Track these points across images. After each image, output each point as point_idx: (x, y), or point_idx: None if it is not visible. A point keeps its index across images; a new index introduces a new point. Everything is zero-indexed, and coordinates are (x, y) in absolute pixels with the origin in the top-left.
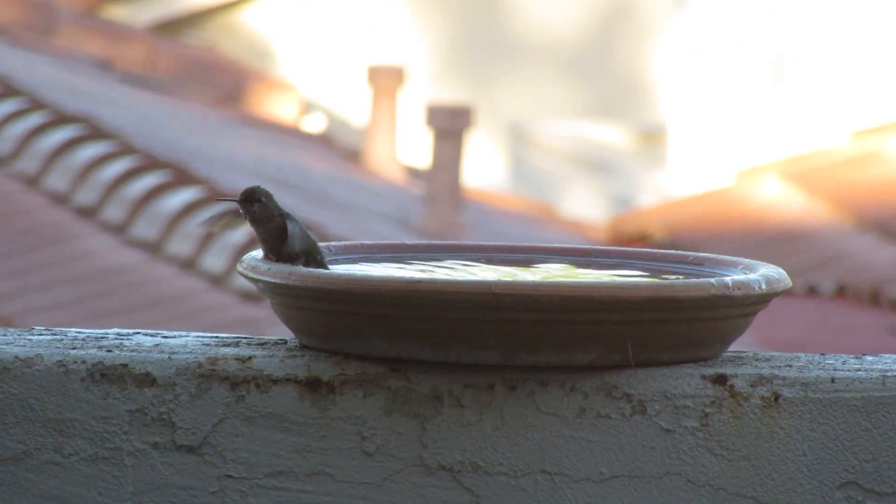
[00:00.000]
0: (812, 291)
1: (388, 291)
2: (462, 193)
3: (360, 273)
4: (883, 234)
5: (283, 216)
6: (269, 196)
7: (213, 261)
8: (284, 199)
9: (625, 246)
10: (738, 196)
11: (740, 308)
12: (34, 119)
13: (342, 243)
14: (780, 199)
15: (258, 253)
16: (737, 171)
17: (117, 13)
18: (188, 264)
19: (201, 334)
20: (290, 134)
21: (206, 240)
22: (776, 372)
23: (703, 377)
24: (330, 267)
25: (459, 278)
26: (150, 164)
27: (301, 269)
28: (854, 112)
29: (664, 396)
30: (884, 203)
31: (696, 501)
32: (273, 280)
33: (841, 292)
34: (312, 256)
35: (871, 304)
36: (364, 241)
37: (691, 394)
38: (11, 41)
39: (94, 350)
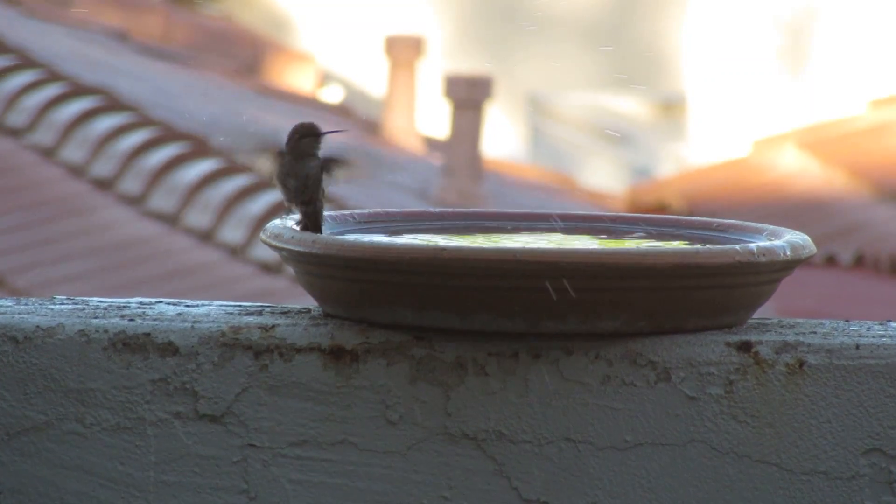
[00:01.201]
0: (831, 261)
1: (412, 259)
2: (481, 164)
3: (385, 241)
4: None
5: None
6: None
7: (232, 232)
8: None
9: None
10: (757, 166)
11: (765, 275)
12: (51, 90)
13: (365, 211)
14: (798, 168)
15: (281, 221)
16: (754, 141)
17: None
18: (206, 236)
19: (224, 303)
20: (309, 105)
21: (225, 211)
22: (801, 339)
23: (728, 344)
24: (355, 236)
25: (484, 246)
26: (167, 135)
27: (325, 238)
28: (871, 82)
29: (689, 364)
30: None
31: (720, 469)
32: (297, 248)
33: (860, 262)
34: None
35: (891, 274)
36: (388, 210)
37: (716, 361)
38: (28, 12)
39: (116, 319)
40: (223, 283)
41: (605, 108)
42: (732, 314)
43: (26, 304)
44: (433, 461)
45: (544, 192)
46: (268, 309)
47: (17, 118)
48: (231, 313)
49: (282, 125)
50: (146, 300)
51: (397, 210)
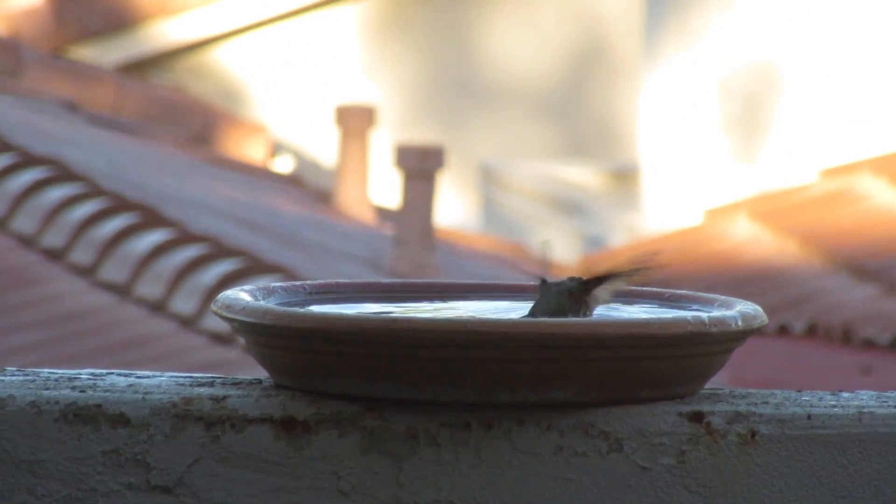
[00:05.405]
0: (783, 331)
1: (363, 330)
2: (433, 234)
3: (335, 312)
4: (854, 274)
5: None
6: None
7: (184, 303)
8: (254, 242)
9: None
10: (709, 235)
11: (717, 345)
12: (1, 161)
13: (316, 282)
14: (749, 238)
15: (232, 292)
16: (706, 210)
17: (84, 54)
18: (158, 306)
19: (176, 374)
20: (260, 175)
21: (176, 282)
22: (753, 409)
23: (680, 414)
24: (306, 307)
25: (435, 316)
26: (118, 205)
27: (275, 308)
28: (823, 151)
29: (641, 434)
30: (854, 242)
31: None
32: (248, 319)
33: (812, 331)
34: None
35: (843, 344)
36: (339, 280)
37: (668, 431)
38: None
39: (67, 390)
40: (175, 353)
41: (558, 178)
42: (684, 384)
43: None
44: None
45: (497, 262)
46: (219, 380)
47: None
48: (182, 384)
49: (234, 196)
50: (97, 371)
51: (348, 281)
